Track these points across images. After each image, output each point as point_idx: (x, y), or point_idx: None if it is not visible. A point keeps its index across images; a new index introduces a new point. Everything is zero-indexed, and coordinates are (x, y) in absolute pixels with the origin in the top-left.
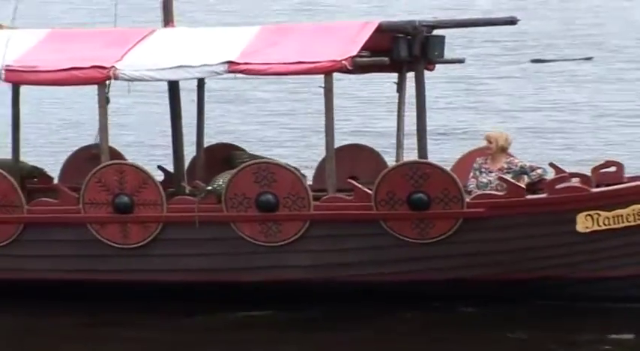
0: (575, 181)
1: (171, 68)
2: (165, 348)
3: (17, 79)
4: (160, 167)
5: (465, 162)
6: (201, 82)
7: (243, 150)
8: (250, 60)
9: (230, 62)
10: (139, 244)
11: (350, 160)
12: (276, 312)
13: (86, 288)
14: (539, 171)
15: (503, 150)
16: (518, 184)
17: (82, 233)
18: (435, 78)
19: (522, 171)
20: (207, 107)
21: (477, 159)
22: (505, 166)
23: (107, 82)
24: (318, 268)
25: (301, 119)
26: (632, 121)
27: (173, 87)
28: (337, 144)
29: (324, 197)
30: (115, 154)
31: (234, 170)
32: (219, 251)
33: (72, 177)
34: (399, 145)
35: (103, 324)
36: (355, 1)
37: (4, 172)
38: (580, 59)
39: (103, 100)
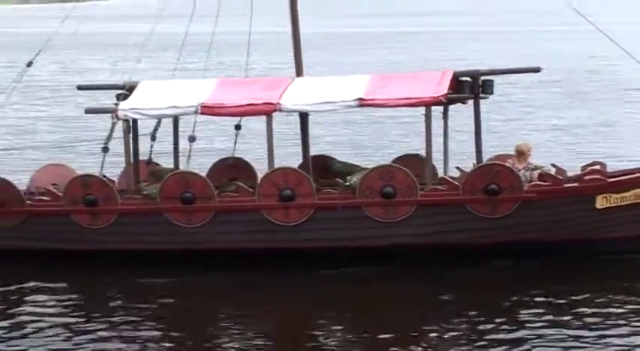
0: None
1: (319, 103)
2: (311, 297)
3: (209, 112)
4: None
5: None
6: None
7: (334, 158)
8: (374, 97)
9: (360, 99)
10: (297, 223)
11: (411, 164)
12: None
13: (257, 255)
14: (544, 168)
15: (527, 155)
16: (558, 177)
17: (257, 216)
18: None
19: (535, 168)
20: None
21: (508, 160)
22: (527, 165)
23: (273, 113)
24: (421, 236)
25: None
26: None
27: (304, 117)
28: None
29: (426, 188)
30: (244, 163)
31: (365, 172)
32: (353, 226)
33: (216, 179)
34: (429, 155)
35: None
36: None
37: (199, 173)
38: None
39: (271, 127)
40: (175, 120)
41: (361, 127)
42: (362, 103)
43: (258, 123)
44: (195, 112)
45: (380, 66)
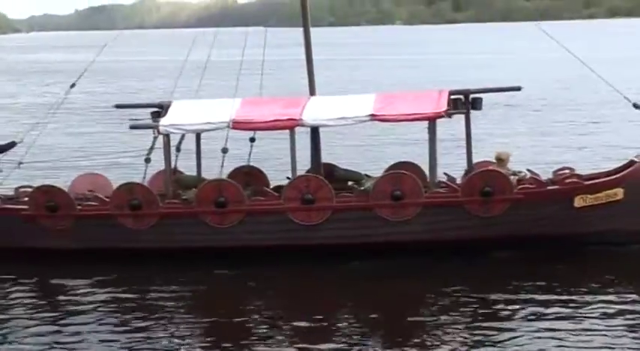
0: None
1: (336, 119)
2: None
3: (240, 127)
4: (289, 178)
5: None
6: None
7: (337, 166)
8: (384, 113)
9: (372, 114)
10: (317, 223)
11: (405, 170)
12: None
13: (282, 252)
14: (521, 173)
15: (505, 162)
16: (542, 180)
17: (282, 217)
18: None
19: (514, 173)
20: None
21: (490, 167)
22: (506, 171)
23: (296, 128)
24: (426, 233)
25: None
26: None
27: (314, 131)
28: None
29: (429, 191)
30: (258, 171)
31: (377, 177)
32: (367, 225)
33: None
34: (432, 165)
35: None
36: None
37: (232, 181)
38: None
39: (294, 140)
40: (198, 134)
41: (358, 138)
42: (374, 118)
43: (268, 136)
44: (228, 127)
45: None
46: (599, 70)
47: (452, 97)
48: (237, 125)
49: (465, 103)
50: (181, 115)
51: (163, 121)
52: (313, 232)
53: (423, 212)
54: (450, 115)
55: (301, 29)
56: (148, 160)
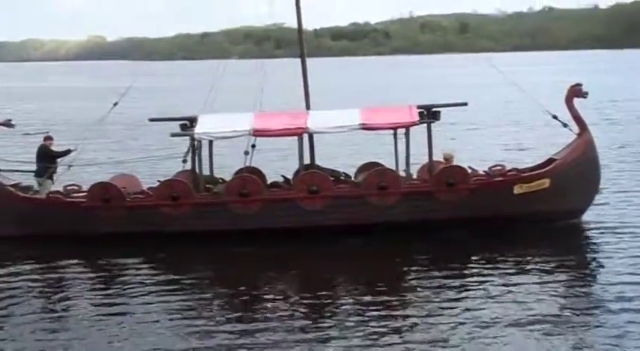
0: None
1: (333, 127)
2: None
3: (259, 134)
4: (283, 176)
5: (424, 167)
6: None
7: (320, 165)
8: (371, 122)
9: (362, 123)
10: (319, 209)
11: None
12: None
13: (292, 232)
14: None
15: (450, 161)
16: (490, 173)
17: (293, 204)
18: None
19: None
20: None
21: (439, 165)
22: None
23: (303, 135)
24: (404, 215)
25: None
26: None
27: (311, 137)
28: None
29: (406, 183)
30: (257, 170)
31: (367, 173)
32: (357, 210)
33: None
34: (408, 162)
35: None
36: None
37: (254, 176)
38: None
39: (302, 144)
40: (211, 142)
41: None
42: (364, 126)
43: (265, 143)
44: (249, 134)
45: None
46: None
47: (418, 110)
48: (256, 133)
49: (427, 115)
50: (209, 125)
51: (197, 130)
52: (318, 216)
53: (402, 199)
54: (420, 124)
55: (158, 62)
56: (185, 161)
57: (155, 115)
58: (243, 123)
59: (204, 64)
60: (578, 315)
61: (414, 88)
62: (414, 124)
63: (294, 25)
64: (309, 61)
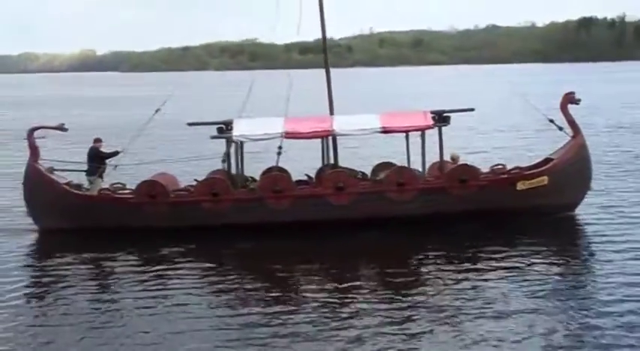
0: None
1: (357, 130)
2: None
3: (291, 136)
4: (307, 175)
5: (434, 166)
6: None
7: (338, 165)
8: (390, 125)
9: (383, 127)
10: (345, 204)
11: (387, 167)
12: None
13: (321, 225)
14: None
15: (457, 160)
16: (495, 171)
17: (322, 200)
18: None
19: None
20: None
21: (448, 164)
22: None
23: (329, 137)
24: (420, 209)
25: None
26: None
27: (335, 139)
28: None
29: (422, 180)
30: (284, 170)
31: (387, 171)
32: (378, 204)
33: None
34: (423, 162)
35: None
36: None
37: (284, 174)
38: None
39: (328, 145)
40: (242, 144)
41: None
42: (384, 130)
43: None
44: (282, 137)
45: None
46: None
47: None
48: (288, 135)
49: (438, 119)
50: (245, 129)
51: (235, 133)
52: (344, 210)
53: (419, 194)
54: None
55: (145, 73)
56: (224, 161)
57: (190, 120)
58: (275, 126)
59: (189, 75)
60: (578, 296)
61: (376, 97)
62: (428, 127)
63: (266, 40)
64: (280, 72)
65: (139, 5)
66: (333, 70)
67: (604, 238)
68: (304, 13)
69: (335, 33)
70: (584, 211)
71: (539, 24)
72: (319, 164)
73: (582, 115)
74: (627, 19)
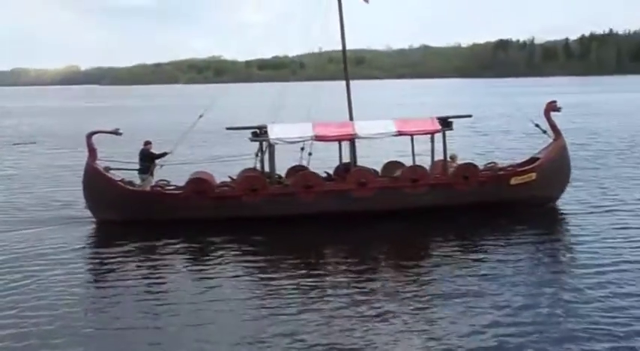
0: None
1: (376, 133)
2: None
3: (321, 139)
4: (326, 172)
5: (438, 164)
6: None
7: (351, 163)
8: (404, 130)
9: (398, 131)
10: (367, 197)
11: (395, 165)
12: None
13: (345, 215)
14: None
15: (456, 159)
16: (492, 169)
17: (347, 194)
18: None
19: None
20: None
21: (450, 162)
22: (457, 164)
23: (354, 139)
24: (430, 201)
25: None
26: None
27: (353, 142)
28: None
29: (433, 176)
30: (306, 169)
31: (401, 169)
32: (395, 198)
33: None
34: (432, 161)
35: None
36: None
37: (314, 172)
38: None
39: (354, 146)
40: (273, 145)
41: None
42: (400, 133)
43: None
44: (312, 140)
45: None
46: None
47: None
48: (318, 138)
49: (443, 124)
50: (280, 133)
51: (271, 136)
52: (366, 203)
53: (430, 189)
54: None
55: (123, 86)
56: (261, 161)
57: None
58: (306, 131)
59: (161, 87)
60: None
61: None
62: (437, 131)
63: (230, 57)
64: (243, 85)
65: (115, 26)
66: (289, 83)
67: (581, 223)
68: (266, 31)
69: (289, 51)
70: (564, 202)
71: (464, 44)
72: (330, 163)
73: (506, 123)
74: (536, 42)
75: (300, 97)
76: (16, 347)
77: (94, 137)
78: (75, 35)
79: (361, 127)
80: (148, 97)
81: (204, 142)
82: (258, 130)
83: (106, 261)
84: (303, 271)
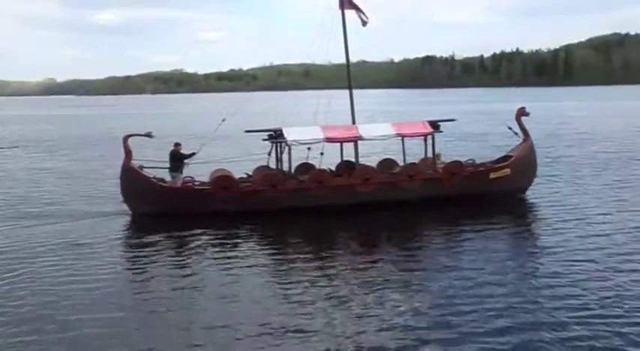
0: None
1: (378, 135)
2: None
3: (331, 141)
4: (330, 169)
5: (426, 161)
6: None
7: (352, 162)
8: (402, 132)
9: (398, 133)
10: (370, 191)
11: (389, 162)
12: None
13: (350, 206)
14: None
15: (440, 157)
16: (475, 165)
17: (353, 189)
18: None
19: (443, 163)
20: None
21: (436, 159)
22: (442, 161)
23: (358, 141)
24: (424, 193)
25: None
26: None
27: (356, 143)
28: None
29: (427, 172)
30: (312, 166)
31: (403, 164)
32: (394, 191)
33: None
34: (426, 159)
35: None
36: None
37: (326, 169)
38: None
39: (357, 147)
40: (290, 146)
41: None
42: (399, 135)
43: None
44: (324, 141)
45: None
46: None
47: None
48: (329, 140)
49: (433, 127)
50: (295, 135)
51: (288, 138)
52: (369, 196)
53: (423, 183)
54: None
55: (97, 96)
56: (280, 161)
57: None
58: (317, 133)
59: (141, 97)
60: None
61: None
62: (430, 133)
63: (190, 70)
64: (202, 95)
65: (88, 42)
66: (241, 94)
67: (546, 211)
68: (226, 46)
69: (244, 64)
70: (532, 193)
71: (396, 60)
72: (326, 161)
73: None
74: (456, 58)
75: (266, 104)
76: (54, 328)
77: (129, 139)
78: (51, 50)
79: (365, 130)
80: (119, 105)
81: (229, 143)
82: (273, 133)
83: (139, 249)
84: (322, 259)
